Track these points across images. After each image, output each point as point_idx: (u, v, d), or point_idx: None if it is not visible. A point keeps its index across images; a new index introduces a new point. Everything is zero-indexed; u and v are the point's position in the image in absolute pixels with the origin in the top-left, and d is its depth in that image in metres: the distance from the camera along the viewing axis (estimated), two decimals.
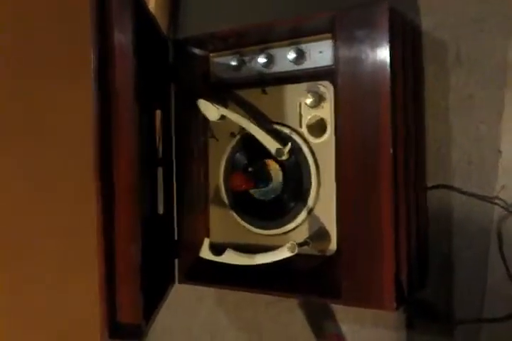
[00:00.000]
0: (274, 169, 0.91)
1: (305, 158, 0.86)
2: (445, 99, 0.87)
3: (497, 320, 0.83)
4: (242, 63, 0.92)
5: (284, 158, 0.86)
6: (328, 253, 0.84)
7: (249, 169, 0.93)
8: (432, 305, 0.88)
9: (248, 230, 0.93)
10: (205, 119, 0.93)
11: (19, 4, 1.09)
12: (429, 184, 0.88)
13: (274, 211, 0.90)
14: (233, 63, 0.93)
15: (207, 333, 1.14)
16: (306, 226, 0.87)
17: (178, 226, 0.99)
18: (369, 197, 0.76)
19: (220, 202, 0.97)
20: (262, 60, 0.89)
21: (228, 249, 0.88)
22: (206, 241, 0.93)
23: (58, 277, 1.15)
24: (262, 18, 0.92)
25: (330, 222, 0.84)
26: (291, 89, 0.88)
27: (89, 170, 0.83)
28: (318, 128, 0.86)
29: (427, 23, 0.88)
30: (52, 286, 1.15)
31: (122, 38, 0.83)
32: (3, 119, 1.08)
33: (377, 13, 0.75)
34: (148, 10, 0.91)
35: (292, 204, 0.88)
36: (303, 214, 0.87)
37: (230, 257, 0.88)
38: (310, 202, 0.86)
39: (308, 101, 0.85)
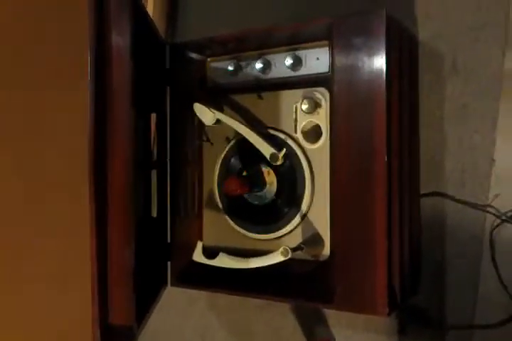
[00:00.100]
0: (269, 174, 0.91)
1: (300, 163, 0.87)
2: (440, 108, 0.88)
3: (489, 326, 0.84)
4: (238, 68, 0.93)
5: (278, 163, 0.86)
6: (321, 259, 0.85)
7: (244, 173, 0.93)
8: (424, 311, 0.89)
9: (241, 234, 0.93)
10: (201, 123, 0.93)
11: (18, 4, 1.09)
12: (423, 191, 0.89)
13: (268, 216, 0.91)
14: (230, 68, 0.93)
15: (198, 336, 1.14)
16: (299, 231, 0.87)
17: (171, 229, 0.99)
18: (363, 203, 0.77)
19: (213, 206, 0.97)
20: (258, 65, 0.90)
21: (221, 252, 0.88)
22: (199, 245, 0.93)
23: (57, 277, 1.15)
24: (260, 23, 0.93)
25: (323, 228, 0.85)
26: (287, 95, 0.89)
27: (85, 171, 0.83)
28: (313, 134, 0.86)
29: (423, 32, 0.89)
30: (50, 286, 1.15)
31: (120, 40, 0.83)
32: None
33: (374, 21, 0.75)
34: (147, 13, 0.92)
35: (286, 209, 0.89)
36: (297, 219, 0.87)
37: (223, 261, 0.88)
38: (304, 207, 0.86)
39: (304, 107, 0.85)
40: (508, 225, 0.83)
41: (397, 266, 0.78)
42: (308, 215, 0.87)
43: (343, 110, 0.79)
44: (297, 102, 0.87)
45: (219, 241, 0.96)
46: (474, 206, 0.85)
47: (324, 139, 0.85)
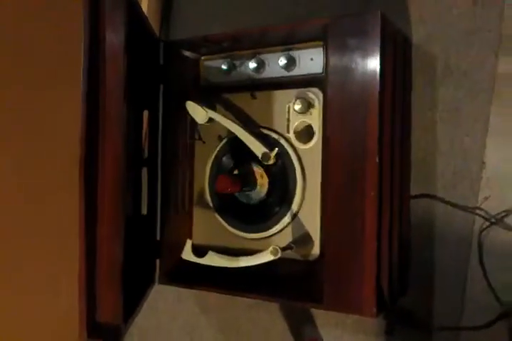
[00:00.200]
0: (260, 173, 0.91)
1: (291, 163, 0.87)
2: (432, 111, 0.88)
3: (476, 328, 0.84)
4: (232, 67, 0.93)
5: (270, 162, 0.86)
6: (311, 258, 0.85)
7: (235, 172, 0.93)
8: (412, 313, 0.89)
9: (231, 233, 0.93)
10: (193, 121, 0.93)
11: (12, 6, 1.08)
12: (414, 193, 0.89)
13: (259, 215, 0.91)
14: (224, 67, 0.93)
15: (186, 335, 1.14)
16: (289, 230, 0.88)
17: (160, 227, 0.99)
18: (353, 203, 0.77)
19: (204, 205, 0.97)
20: (252, 64, 0.90)
21: (210, 251, 0.88)
22: (189, 243, 0.93)
23: (52, 276, 1.14)
24: (255, 23, 0.94)
25: (314, 227, 0.85)
26: (280, 95, 0.89)
27: (75, 168, 0.83)
28: (305, 134, 0.87)
29: (417, 34, 0.90)
30: (46, 285, 1.15)
31: (114, 37, 0.84)
32: None
33: (369, 23, 0.76)
34: (141, 10, 0.91)
35: (277, 209, 0.89)
36: (287, 219, 0.87)
37: (212, 259, 0.88)
38: (294, 206, 0.87)
39: (297, 107, 0.85)
40: (497, 228, 0.83)
41: (386, 267, 0.78)
42: (298, 215, 0.87)
43: (335, 111, 0.79)
44: (290, 102, 0.87)
45: (209, 240, 0.96)
46: (464, 208, 0.85)
47: (316, 139, 0.85)
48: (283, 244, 0.85)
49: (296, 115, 0.87)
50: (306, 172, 0.86)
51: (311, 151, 0.85)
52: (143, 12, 0.92)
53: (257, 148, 0.86)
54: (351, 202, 0.77)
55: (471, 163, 0.85)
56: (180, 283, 0.97)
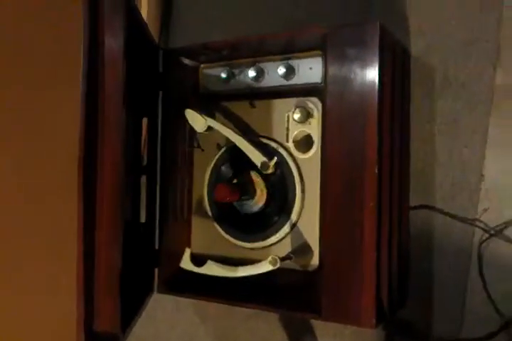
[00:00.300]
0: (259, 182, 0.91)
1: (290, 172, 0.86)
2: (431, 122, 0.88)
3: (475, 339, 0.84)
4: (231, 76, 0.93)
5: (269, 171, 0.86)
6: (310, 269, 0.84)
7: (234, 181, 0.93)
8: (411, 324, 0.89)
9: (230, 242, 0.93)
10: (192, 129, 0.92)
11: (11, 7, 1.08)
12: (412, 204, 0.89)
13: (257, 224, 0.90)
14: (223, 75, 0.93)
15: None
16: (288, 240, 0.87)
17: (159, 236, 0.99)
18: (353, 214, 0.77)
19: (203, 213, 0.97)
20: (251, 73, 0.90)
21: (209, 260, 0.88)
22: (187, 252, 0.92)
23: (50, 275, 1.14)
24: (254, 31, 0.93)
25: (313, 237, 0.84)
26: (279, 104, 0.88)
27: (75, 168, 0.82)
28: (304, 143, 0.86)
29: (416, 46, 0.89)
30: (43, 284, 1.15)
31: (113, 43, 0.83)
32: None
33: (368, 33, 0.75)
34: (141, 16, 0.91)
35: (276, 218, 0.88)
36: (286, 229, 0.87)
37: (211, 269, 0.87)
38: (294, 216, 0.86)
39: (296, 116, 0.85)
40: (496, 239, 0.83)
41: (386, 278, 0.78)
42: (297, 225, 0.86)
43: (334, 121, 0.79)
44: (289, 111, 0.87)
45: (207, 249, 0.95)
46: (463, 220, 0.85)
47: (315, 149, 0.85)
48: (282, 254, 0.84)
49: (295, 124, 0.86)
50: (305, 181, 0.86)
51: (310, 161, 0.85)
52: (142, 18, 0.92)
53: (256, 157, 0.86)
54: (350, 212, 0.77)
55: (469, 174, 0.85)
56: (178, 292, 0.97)
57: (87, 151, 0.82)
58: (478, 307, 0.83)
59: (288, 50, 0.87)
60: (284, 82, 0.88)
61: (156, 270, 0.99)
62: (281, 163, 0.87)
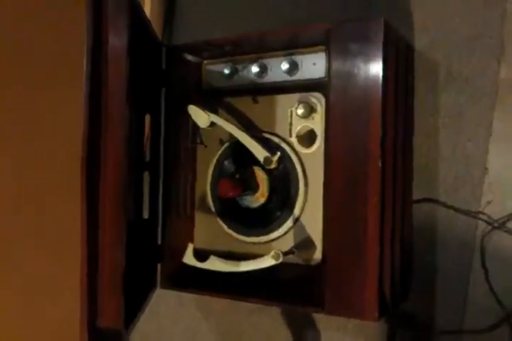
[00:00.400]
0: (262, 177, 0.91)
1: (294, 167, 0.87)
2: (434, 116, 0.89)
3: (478, 331, 0.85)
4: (234, 71, 0.93)
5: (272, 166, 0.86)
6: (313, 263, 0.85)
7: (237, 176, 0.93)
8: (413, 317, 0.89)
9: (233, 237, 0.93)
10: (195, 125, 0.93)
11: (11, 7, 1.09)
12: (416, 198, 0.89)
13: (260, 219, 0.91)
14: (226, 71, 0.93)
15: (188, 339, 1.14)
16: (291, 235, 0.88)
17: (162, 231, 0.99)
18: (356, 208, 0.77)
19: (205, 209, 0.97)
20: (255, 69, 0.90)
21: (212, 255, 0.88)
22: (190, 247, 0.93)
23: (50, 276, 1.14)
24: (257, 27, 0.94)
25: (316, 232, 0.85)
26: (282, 99, 0.89)
27: (76, 168, 0.83)
28: (307, 138, 0.87)
29: (419, 41, 0.90)
30: (43, 285, 1.15)
31: (116, 40, 0.84)
32: None
33: (372, 28, 0.76)
34: (144, 14, 0.91)
35: (278, 213, 0.89)
36: (289, 223, 0.87)
37: (214, 264, 0.88)
38: (296, 211, 0.87)
39: (299, 111, 0.85)
40: (500, 232, 0.84)
41: (389, 272, 0.79)
42: (300, 219, 0.87)
43: (338, 116, 0.79)
44: (292, 107, 0.87)
45: (210, 244, 0.96)
46: (466, 213, 0.86)
47: (319, 144, 0.85)
48: (285, 249, 0.85)
49: (298, 119, 0.87)
50: (309, 176, 0.86)
51: (314, 156, 0.86)
52: (146, 16, 0.92)
53: (259, 153, 0.86)
54: (354, 206, 0.77)
55: (472, 168, 0.85)
56: (181, 288, 0.97)
57: (90, 151, 0.82)
58: (481, 299, 0.84)
59: (291, 46, 0.88)
60: (288, 78, 0.89)
61: (159, 265, 0.99)
62: (284, 158, 0.87)
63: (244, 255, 0.90)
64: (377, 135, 0.76)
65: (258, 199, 0.91)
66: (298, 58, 0.87)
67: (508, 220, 0.83)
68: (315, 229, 0.85)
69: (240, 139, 0.88)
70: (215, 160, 0.95)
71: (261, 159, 0.86)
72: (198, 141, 0.97)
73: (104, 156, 0.85)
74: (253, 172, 0.91)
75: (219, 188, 0.89)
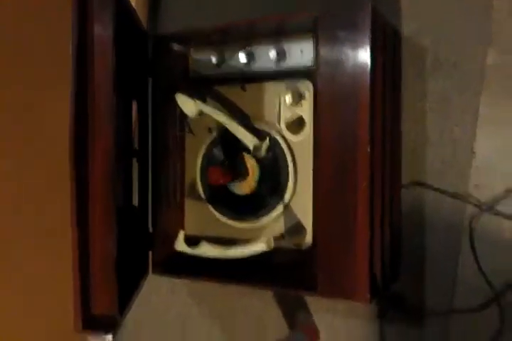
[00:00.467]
0: (252, 164, 0.92)
1: (283, 154, 0.88)
2: (422, 102, 0.90)
3: (467, 311, 0.87)
4: (222, 60, 0.93)
5: (261, 153, 0.87)
6: (303, 247, 0.86)
7: (226, 163, 0.94)
8: (404, 299, 0.92)
9: (223, 223, 0.94)
10: (183, 113, 0.93)
11: (11, 7, 1.08)
12: (404, 182, 0.91)
13: (250, 205, 0.92)
14: (213, 59, 0.93)
15: (179, 324, 1.15)
16: (282, 220, 0.89)
17: (152, 218, 1.00)
18: (346, 194, 0.78)
19: (195, 196, 0.98)
20: (242, 57, 0.90)
21: (203, 241, 0.89)
22: (181, 234, 0.93)
23: (50, 275, 1.14)
24: (244, 14, 0.94)
25: (306, 217, 0.86)
26: (270, 87, 0.89)
27: (65, 161, 0.83)
28: (296, 125, 0.87)
29: (407, 27, 0.91)
30: (43, 284, 1.15)
31: (102, 30, 0.83)
32: None
33: (359, 15, 0.76)
34: (129, 3, 0.91)
35: (268, 199, 0.90)
36: (279, 209, 0.88)
37: (205, 250, 0.89)
38: (286, 196, 0.88)
39: (288, 99, 0.86)
40: (487, 215, 0.86)
41: (379, 255, 0.80)
42: (290, 204, 0.88)
43: (326, 103, 0.80)
44: (281, 94, 0.88)
45: (201, 230, 0.97)
46: (454, 195, 0.88)
47: (308, 131, 0.86)
48: (275, 234, 0.86)
49: (287, 107, 0.87)
50: (298, 163, 0.87)
51: (303, 142, 0.86)
52: (131, 5, 0.92)
53: (248, 140, 0.87)
54: (343, 192, 0.78)
55: (460, 152, 0.87)
56: (173, 274, 0.98)
57: (78, 138, 0.82)
58: (470, 279, 0.86)
59: (278, 33, 0.88)
60: (275, 66, 0.89)
61: (151, 253, 0.99)
62: (274, 145, 0.88)
63: (234, 240, 0.91)
64: (365, 121, 0.76)
65: (248, 185, 0.92)
66: (285, 46, 0.87)
67: (495, 202, 0.85)
68: (305, 214, 0.86)
69: (229, 127, 0.88)
70: (203, 148, 0.96)
71: (250, 147, 0.87)
72: (187, 129, 0.98)
73: (93, 145, 0.84)
74: (243, 159, 0.92)
75: (209, 175, 0.89)
